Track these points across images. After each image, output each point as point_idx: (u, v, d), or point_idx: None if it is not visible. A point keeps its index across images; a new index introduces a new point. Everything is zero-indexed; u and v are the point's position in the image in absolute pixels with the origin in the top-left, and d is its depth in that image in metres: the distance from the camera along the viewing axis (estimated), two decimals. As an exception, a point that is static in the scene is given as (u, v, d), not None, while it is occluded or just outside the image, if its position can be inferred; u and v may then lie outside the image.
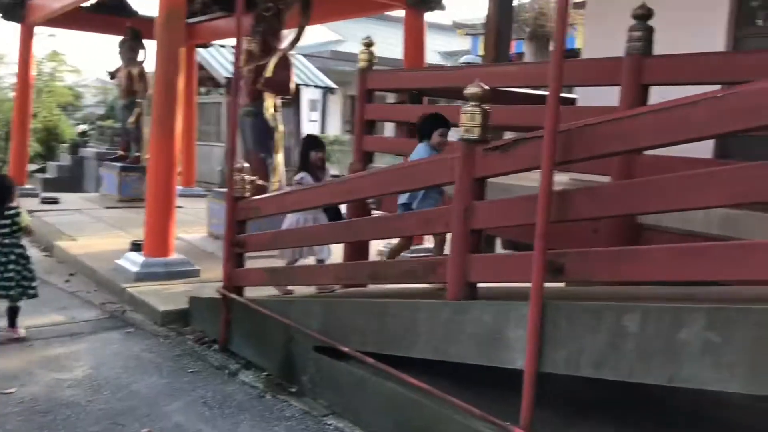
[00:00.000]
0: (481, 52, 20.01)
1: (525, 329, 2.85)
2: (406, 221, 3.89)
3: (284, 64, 7.51)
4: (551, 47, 16.57)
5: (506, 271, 3.16)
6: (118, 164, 11.63)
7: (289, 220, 5.60)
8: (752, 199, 2.38)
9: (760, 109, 2.26)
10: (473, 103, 3.22)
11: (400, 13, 9.07)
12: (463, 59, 19.97)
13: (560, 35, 2.81)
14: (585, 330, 2.73)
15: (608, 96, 4.02)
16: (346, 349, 3.81)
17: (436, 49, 22.68)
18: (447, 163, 3.37)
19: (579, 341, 2.75)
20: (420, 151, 4.52)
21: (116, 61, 11.87)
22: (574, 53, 18.67)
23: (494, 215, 3.23)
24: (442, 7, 8.59)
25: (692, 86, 3.79)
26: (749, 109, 2.30)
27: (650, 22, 3.80)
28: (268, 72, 7.37)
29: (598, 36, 5.39)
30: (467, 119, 3.23)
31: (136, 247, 6.84)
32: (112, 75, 12.26)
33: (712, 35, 5.13)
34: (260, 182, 7.42)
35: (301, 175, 5.59)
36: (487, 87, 3.21)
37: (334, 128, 24.59)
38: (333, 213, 5.62)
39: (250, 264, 5.12)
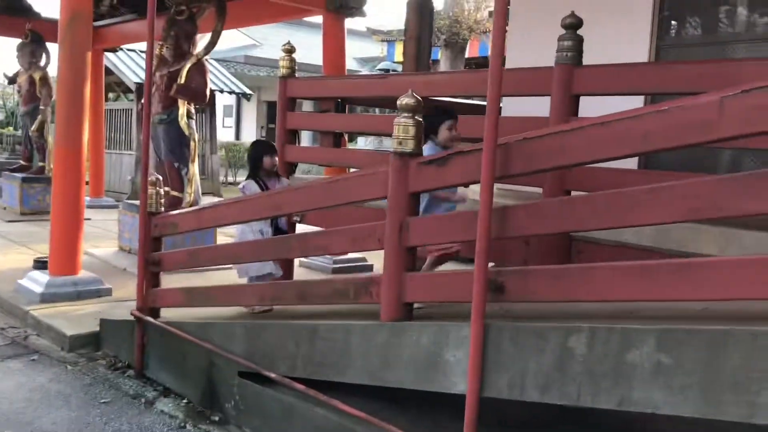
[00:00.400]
0: (398, 58, 20.11)
1: (466, 352, 2.72)
2: (331, 238, 3.69)
3: (199, 70, 7.17)
4: (467, 54, 16.72)
5: (445, 290, 3.02)
6: (20, 175, 10.99)
7: (238, 233, 4.98)
8: (701, 216, 2.31)
9: (706, 124, 2.20)
10: (406, 114, 3.07)
11: (317, 18, 8.86)
12: (381, 66, 20.00)
13: (498, 43, 2.69)
14: (530, 352, 2.61)
15: (528, 106, 3.97)
16: (272, 375, 3.59)
17: (351, 54, 22.55)
18: (380, 177, 3.20)
19: (523, 364, 2.63)
20: (426, 152, 3.66)
21: (15, 65, 11.18)
22: (486, 60, 19.05)
23: (431, 231, 3.09)
24: (362, 14, 8.43)
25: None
26: (695, 123, 2.24)
27: (579, 32, 3.76)
28: (182, 78, 7.02)
29: (523, 47, 5.36)
30: (400, 131, 3.07)
31: (40, 265, 6.36)
32: (11, 80, 11.55)
33: (636, 45, 5.19)
34: (175, 194, 7.07)
35: (244, 183, 4.96)
36: (420, 98, 3.07)
37: (249, 134, 24.13)
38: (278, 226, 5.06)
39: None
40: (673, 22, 5.37)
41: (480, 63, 19.25)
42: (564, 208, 2.65)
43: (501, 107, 6.03)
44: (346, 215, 4.32)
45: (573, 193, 3.63)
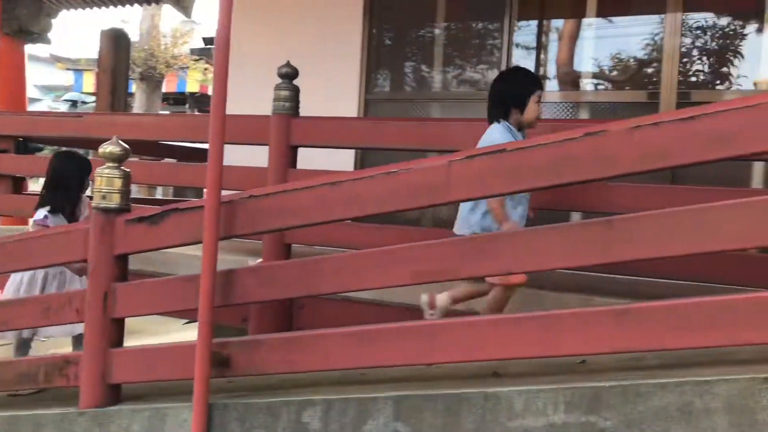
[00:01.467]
0: (87, 89, 18.60)
1: (188, 438, 2.39)
2: (15, 309, 3.07)
3: None
4: (164, 89, 16.04)
5: (162, 368, 2.64)
6: None
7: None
8: (424, 279, 2.30)
9: (435, 188, 2.20)
10: (111, 165, 2.67)
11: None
12: (68, 96, 18.34)
13: (219, 90, 2.46)
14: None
15: (254, 156, 3.80)
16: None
17: (32, 82, 20.40)
18: (78, 236, 2.74)
19: (254, 446, 2.38)
20: (495, 136, 2.79)
21: None
22: (184, 97, 18.55)
23: (143, 300, 2.69)
24: (46, 41, 7.56)
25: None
26: (421, 186, 2.23)
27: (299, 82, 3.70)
28: None
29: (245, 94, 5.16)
30: (104, 183, 2.66)
31: None
32: None
33: (349, 98, 5.32)
34: None
35: (45, 212, 3.66)
36: (127, 146, 2.69)
37: None
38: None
39: None
40: (378, 78, 5.62)
41: (178, 99, 18.67)
42: (293, 273, 2.48)
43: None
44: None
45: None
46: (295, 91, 3.67)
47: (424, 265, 2.23)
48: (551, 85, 5.22)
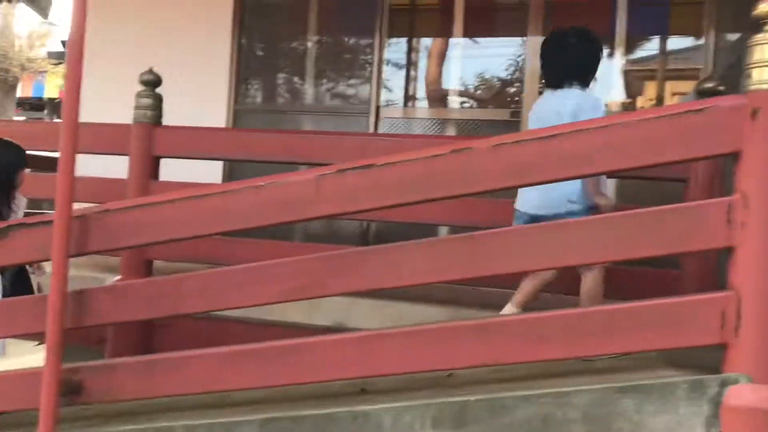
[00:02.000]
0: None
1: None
2: None
3: None
4: (20, 93, 15.04)
5: (6, 398, 2.41)
6: None
7: None
8: (296, 297, 2.24)
9: (303, 203, 2.15)
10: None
11: None
12: None
13: (72, 97, 2.29)
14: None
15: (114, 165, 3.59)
16: None
17: None
18: None
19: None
20: (589, 106, 2.82)
21: None
22: (42, 102, 17.42)
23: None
24: None
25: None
26: (289, 200, 2.18)
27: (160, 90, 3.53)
28: None
29: (105, 100, 4.85)
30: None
31: None
32: None
33: (217, 108, 5.18)
34: None
35: None
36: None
37: None
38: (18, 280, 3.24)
39: None
40: (248, 89, 5.51)
41: (35, 105, 17.48)
42: (152, 292, 2.34)
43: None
44: None
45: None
46: (158, 99, 3.51)
47: (293, 282, 2.17)
48: (421, 103, 5.33)
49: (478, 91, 5.30)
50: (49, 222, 2.25)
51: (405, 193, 2.08)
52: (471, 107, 5.32)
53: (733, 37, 4.70)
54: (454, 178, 2.03)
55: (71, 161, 2.27)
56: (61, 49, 16.00)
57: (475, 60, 5.30)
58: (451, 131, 5.17)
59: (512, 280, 2.96)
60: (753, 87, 1.83)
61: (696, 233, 1.88)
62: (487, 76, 5.23)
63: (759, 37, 1.86)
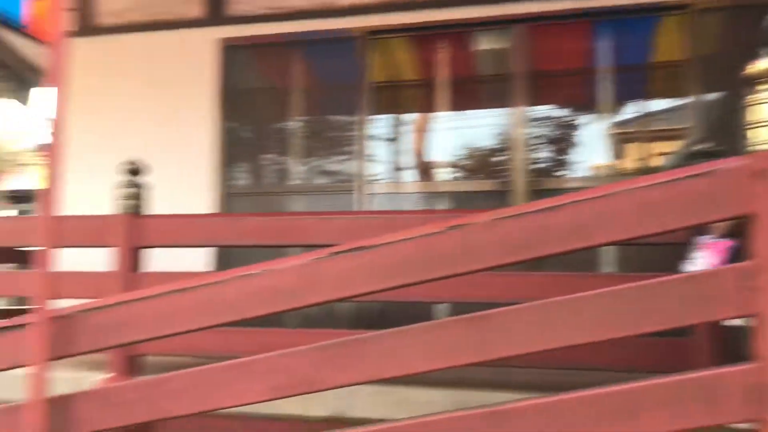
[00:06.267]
0: None
1: None
2: None
3: None
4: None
5: None
6: None
7: None
8: (285, 394, 2.09)
9: (295, 291, 2.04)
10: None
11: None
12: None
13: (53, 186, 2.19)
14: None
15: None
16: None
17: None
18: None
19: None
20: None
21: None
22: (31, 194, 17.33)
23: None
24: None
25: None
26: (277, 289, 2.06)
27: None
28: None
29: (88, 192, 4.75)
30: None
31: None
32: None
33: (203, 194, 5.13)
34: None
35: None
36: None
37: None
38: None
39: None
40: (235, 172, 5.47)
41: (20, 197, 17.37)
42: (136, 395, 2.18)
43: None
44: None
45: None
46: (140, 188, 3.42)
47: (283, 378, 2.03)
48: (407, 176, 5.29)
49: (466, 163, 5.27)
50: (23, 325, 2.12)
51: (402, 275, 1.97)
52: (458, 179, 5.27)
53: (714, 96, 4.72)
54: (453, 256, 1.92)
55: (50, 256, 2.16)
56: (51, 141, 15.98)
57: (460, 132, 5.28)
58: (440, 204, 5.11)
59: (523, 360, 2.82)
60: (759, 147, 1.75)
61: (714, 300, 1.76)
62: (473, 148, 5.21)
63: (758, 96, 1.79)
